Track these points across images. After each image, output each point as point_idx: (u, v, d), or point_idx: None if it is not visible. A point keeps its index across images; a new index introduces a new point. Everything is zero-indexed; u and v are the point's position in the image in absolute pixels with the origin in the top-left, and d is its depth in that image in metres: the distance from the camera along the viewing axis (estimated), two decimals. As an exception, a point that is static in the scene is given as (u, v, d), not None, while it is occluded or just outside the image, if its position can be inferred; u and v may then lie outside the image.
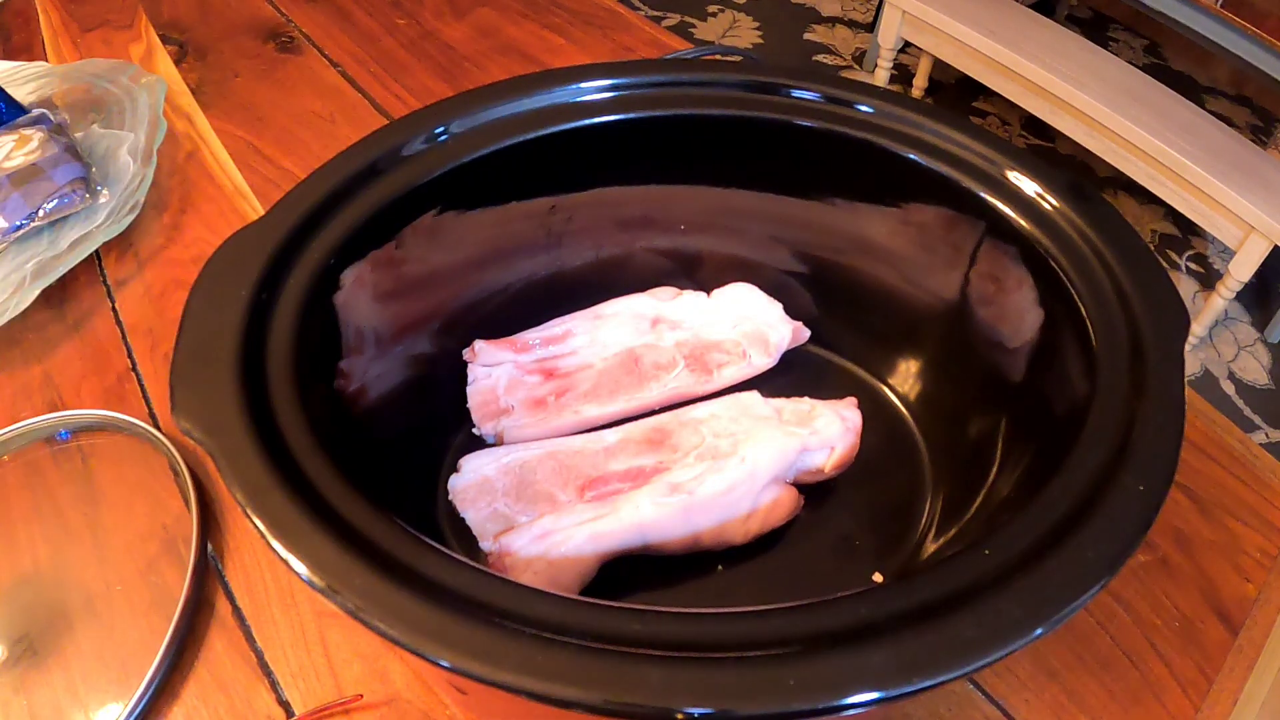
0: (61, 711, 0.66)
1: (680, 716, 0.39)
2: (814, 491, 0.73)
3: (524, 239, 0.79)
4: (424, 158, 0.70)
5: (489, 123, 0.73)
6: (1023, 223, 0.67)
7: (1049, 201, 0.67)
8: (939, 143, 0.72)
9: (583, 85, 0.76)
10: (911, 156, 0.72)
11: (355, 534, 0.46)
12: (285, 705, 0.67)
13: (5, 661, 0.69)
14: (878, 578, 0.69)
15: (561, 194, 0.79)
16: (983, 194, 0.69)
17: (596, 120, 0.75)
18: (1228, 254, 2.45)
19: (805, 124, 0.75)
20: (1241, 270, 2.35)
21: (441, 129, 0.72)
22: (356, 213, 0.66)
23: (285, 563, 0.44)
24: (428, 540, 0.47)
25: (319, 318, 0.62)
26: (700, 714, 0.39)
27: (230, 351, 0.54)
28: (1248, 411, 2.48)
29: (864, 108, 0.75)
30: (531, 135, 0.73)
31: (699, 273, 0.86)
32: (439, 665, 0.40)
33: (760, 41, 3.72)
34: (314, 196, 0.65)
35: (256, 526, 0.45)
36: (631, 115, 0.75)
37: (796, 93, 0.76)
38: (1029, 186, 0.69)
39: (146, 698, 0.66)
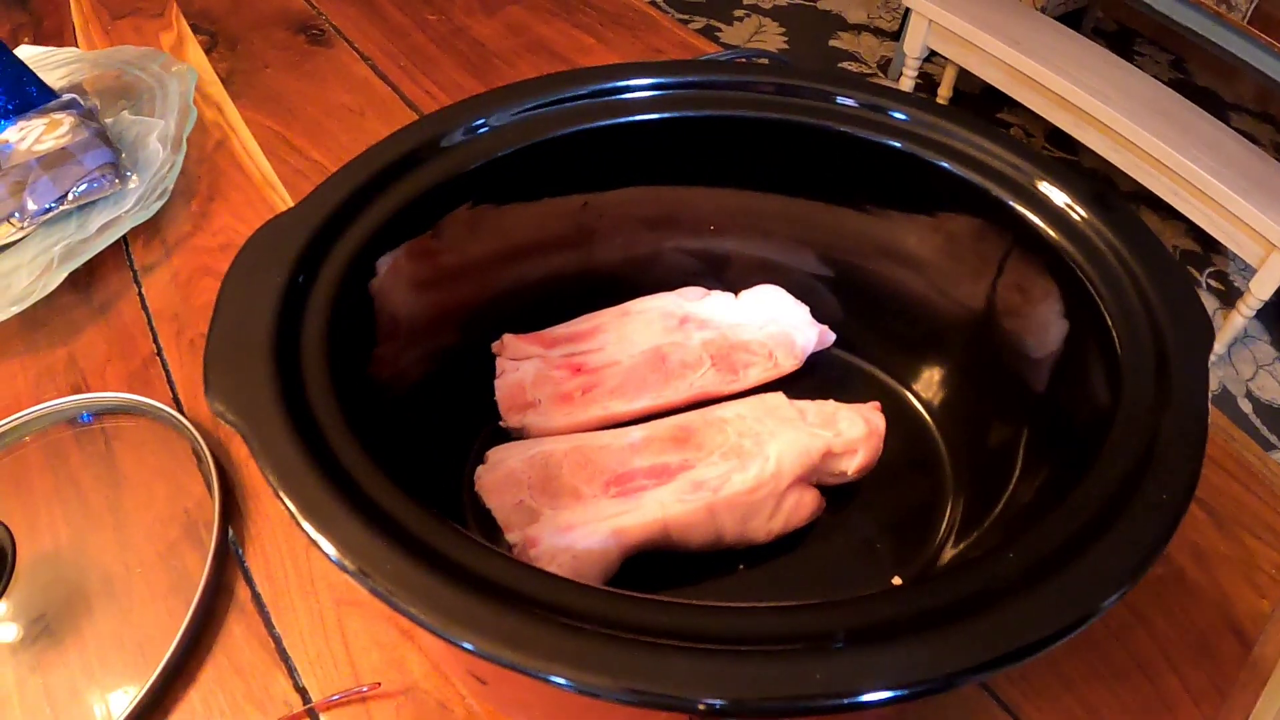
0: (77, 692, 0.67)
1: (702, 707, 0.39)
2: (836, 493, 0.73)
3: (556, 234, 0.79)
4: (462, 149, 0.71)
5: (527, 117, 0.73)
6: (1051, 233, 0.67)
7: (1077, 212, 0.67)
8: (971, 151, 0.72)
9: (621, 84, 0.76)
10: (944, 165, 0.72)
11: (386, 518, 0.46)
12: (302, 692, 0.67)
13: (23, 640, 0.69)
14: (897, 581, 0.69)
15: (594, 191, 0.79)
16: (1012, 203, 0.69)
17: (633, 118, 0.75)
18: (1249, 272, 2.45)
19: (841, 129, 0.75)
20: (1263, 289, 2.34)
21: (481, 121, 0.72)
22: (394, 201, 0.66)
23: (315, 544, 0.44)
24: (458, 527, 0.47)
25: (353, 304, 0.62)
26: (723, 705, 0.39)
27: (265, 335, 0.54)
28: (1265, 431, 2.48)
29: (898, 114, 0.75)
30: (568, 131, 0.74)
31: (727, 273, 0.86)
32: (467, 650, 0.40)
33: (785, 47, 3.72)
34: (353, 183, 0.65)
35: (288, 508, 0.46)
36: (667, 115, 0.75)
37: (833, 98, 0.76)
38: (1058, 197, 0.69)
39: (163, 680, 0.66)
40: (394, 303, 0.67)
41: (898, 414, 0.79)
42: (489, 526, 0.67)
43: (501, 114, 0.73)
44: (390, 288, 0.66)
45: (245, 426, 0.49)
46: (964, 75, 3.05)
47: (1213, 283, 2.89)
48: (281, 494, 0.46)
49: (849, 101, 0.76)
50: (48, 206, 0.97)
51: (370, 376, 0.64)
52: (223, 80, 1.26)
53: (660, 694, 0.39)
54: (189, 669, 0.68)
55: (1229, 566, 0.77)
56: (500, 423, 0.76)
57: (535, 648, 0.40)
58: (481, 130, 0.72)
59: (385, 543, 0.44)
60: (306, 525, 0.45)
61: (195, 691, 0.67)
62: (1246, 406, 2.53)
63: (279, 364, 0.53)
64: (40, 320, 0.93)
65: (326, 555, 0.44)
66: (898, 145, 0.74)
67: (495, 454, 0.71)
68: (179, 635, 0.67)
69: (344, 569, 0.43)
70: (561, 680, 0.39)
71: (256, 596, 0.72)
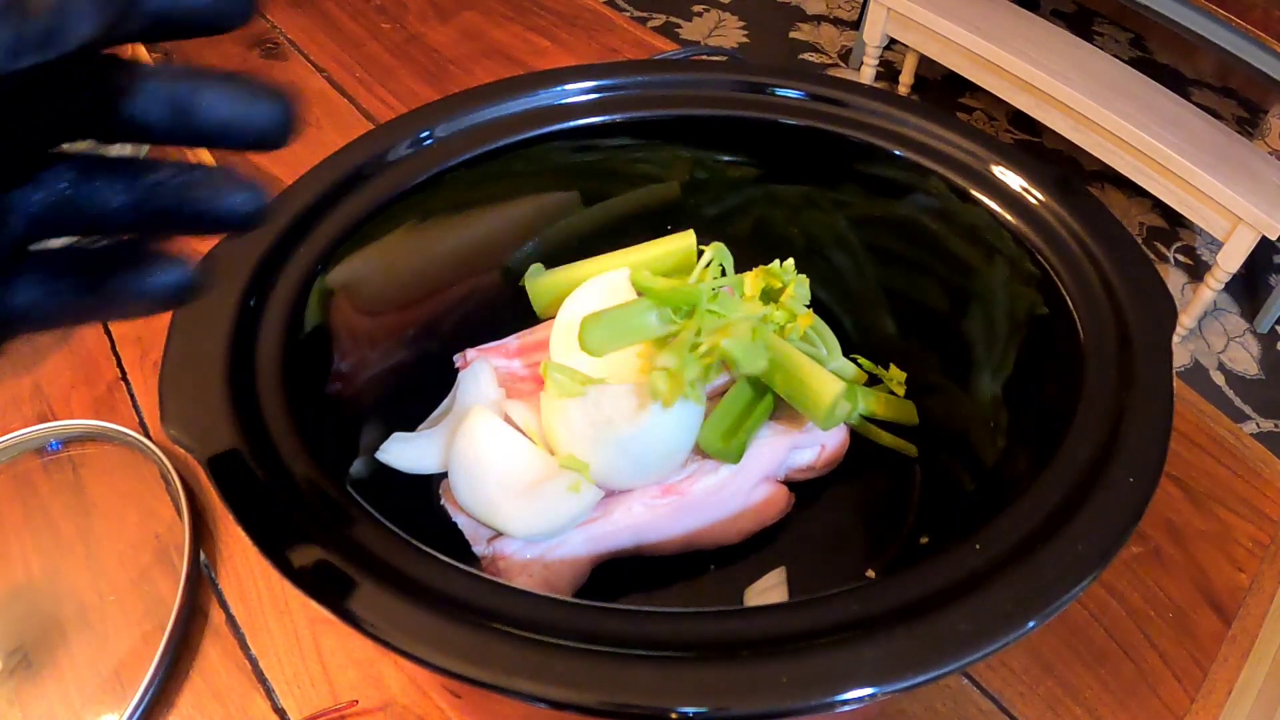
0: (57, 723, 0.66)
1: (674, 716, 0.39)
2: (805, 489, 0.73)
3: (513, 240, 0.79)
4: (409, 162, 0.70)
5: (474, 126, 0.73)
6: (1009, 217, 0.67)
7: (1035, 196, 0.68)
8: (924, 139, 0.73)
9: (568, 88, 0.76)
10: (897, 153, 0.72)
11: (348, 539, 0.46)
12: (281, 712, 0.67)
13: (1, 673, 0.69)
14: (870, 574, 0.69)
15: (546, 194, 0.79)
16: (969, 189, 0.70)
17: (582, 122, 0.75)
18: (1216, 245, 2.46)
19: (790, 122, 0.75)
20: (1229, 261, 2.35)
21: (426, 133, 0.72)
22: (343, 218, 0.66)
23: (277, 569, 0.44)
24: (419, 545, 0.47)
25: (308, 322, 0.61)
26: (694, 713, 0.39)
27: (219, 359, 0.54)
28: (1238, 402, 2.49)
29: (849, 105, 0.75)
30: (517, 138, 0.73)
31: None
32: (433, 669, 0.40)
33: (746, 40, 3.73)
34: (300, 203, 0.65)
35: (248, 534, 0.45)
36: (617, 117, 0.75)
37: (781, 91, 0.76)
38: (1015, 181, 0.69)
39: (142, 707, 0.66)
40: (349, 319, 0.67)
41: (865, 406, 0.78)
42: (457, 540, 0.66)
43: (448, 124, 0.72)
44: (343, 305, 0.66)
45: (202, 453, 0.49)
46: (925, 62, 3.06)
47: (1180, 257, 2.90)
48: (240, 520, 0.45)
49: (800, 94, 0.76)
50: (6, 235, 0.96)
51: (329, 395, 0.64)
52: (178, 99, 1.25)
53: (628, 704, 0.39)
54: (167, 695, 0.68)
55: (1205, 542, 0.78)
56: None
57: (500, 663, 0.40)
58: (428, 142, 0.72)
59: (347, 564, 0.44)
60: (266, 550, 0.44)
61: (174, 717, 0.67)
62: (1219, 379, 2.54)
63: (234, 388, 0.53)
64: (3, 349, 0.92)
65: (288, 579, 0.44)
66: (850, 135, 0.74)
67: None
68: (155, 661, 0.67)
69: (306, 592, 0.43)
70: (528, 695, 0.39)
71: (231, 619, 0.72)
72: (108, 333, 0.94)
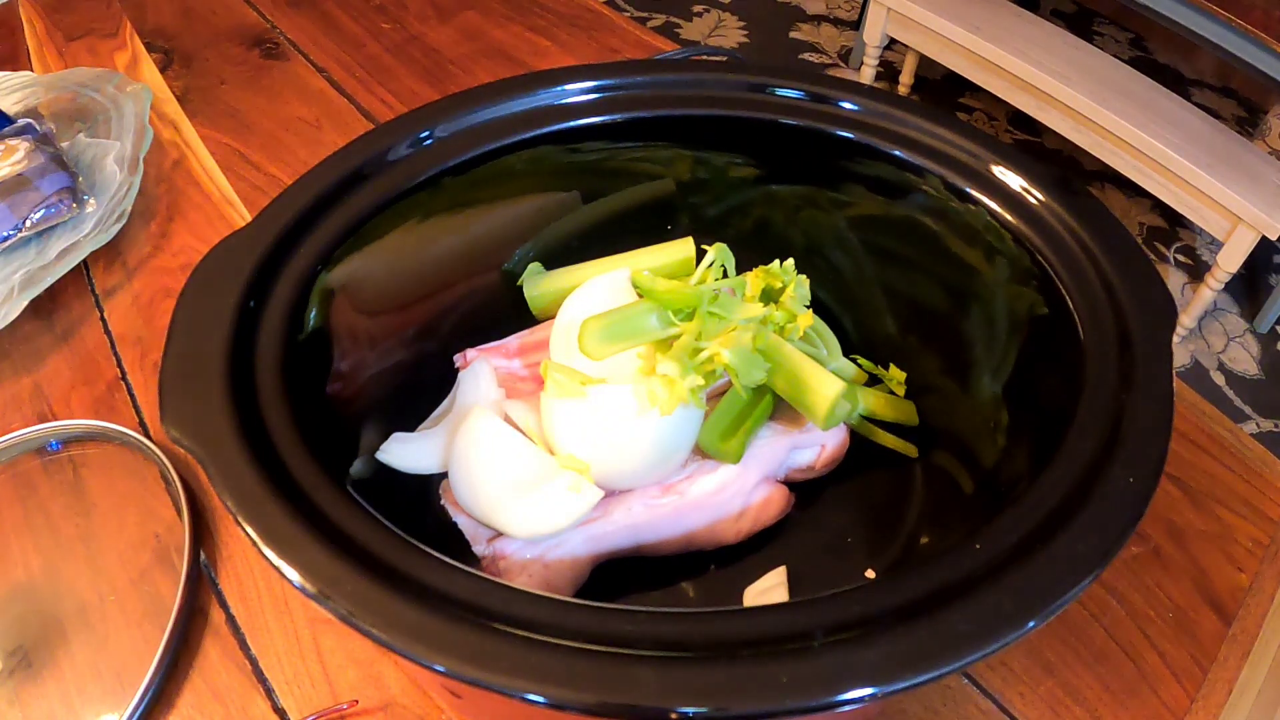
0: (57, 723, 0.66)
1: (674, 716, 0.39)
2: (805, 489, 0.73)
3: (512, 240, 0.79)
4: (410, 162, 0.70)
5: (474, 126, 0.73)
6: (1008, 217, 0.67)
7: (1035, 196, 0.68)
8: (924, 139, 0.73)
9: (568, 88, 0.76)
10: (897, 153, 0.72)
11: (347, 540, 0.46)
12: (281, 713, 0.66)
13: (1, 673, 0.69)
14: (870, 574, 0.69)
15: (546, 194, 0.79)
16: (968, 189, 0.70)
17: (582, 122, 0.75)
18: (1216, 245, 2.46)
19: (790, 122, 0.75)
20: (1229, 261, 2.35)
21: (427, 133, 0.72)
22: (343, 218, 0.66)
23: (277, 570, 0.44)
24: (419, 545, 0.47)
25: (307, 322, 0.61)
26: (694, 713, 0.39)
27: (219, 359, 0.54)
28: (1238, 402, 2.49)
29: (848, 105, 0.75)
30: (517, 138, 0.73)
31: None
32: (432, 669, 0.40)
33: (746, 40, 3.72)
34: (300, 203, 0.65)
35: (248, 534, 0.45)
36: (617, 117, 0.75)
37: (781, 91, 0.76)
38: (1014, 181, 0.69)
39: (142, 708, 0.65)
40: (348, 319, 0.67)
41: (865, 406, 0.78)
42: (457, 540, 0.66)
43: (448, 124, 0.73)
44: (343, 305, 0.66)
45: (202, 452, 0.49)
46: (925, 62, 3.06)
47: (1180, 257, 2.90)
48: (240, 520, 0.46)
49: (799, 95, 0.76)
50: (5, 235, 0.96)
51: (328, 394, 0.64)
52: (178, 98, 1.25)
53: (628, 704, 0.39)
54: (167, 695, 0.68)
55: (1205, 542, 0.78)
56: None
57: (499, 663, 0.40)
58: (428, 142, 0.72)
59: (346, 564, 0.44)
60: (267, 550, 0.44)
61: (174, 717, 0.67)
62: (1219, 379, 2.54)
63: (234, 387, 0.53)
64: (3, 349, 0.92)
65: (288, 579, 0.44)
66: (850, 136, 0.74)
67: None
68: (155, 662, 0.67)
69: (306, 592, 0.43)
70: (528, 695, 0.39)
71: (231, 619, 0.72)
72: (108, 333, 0.94)
